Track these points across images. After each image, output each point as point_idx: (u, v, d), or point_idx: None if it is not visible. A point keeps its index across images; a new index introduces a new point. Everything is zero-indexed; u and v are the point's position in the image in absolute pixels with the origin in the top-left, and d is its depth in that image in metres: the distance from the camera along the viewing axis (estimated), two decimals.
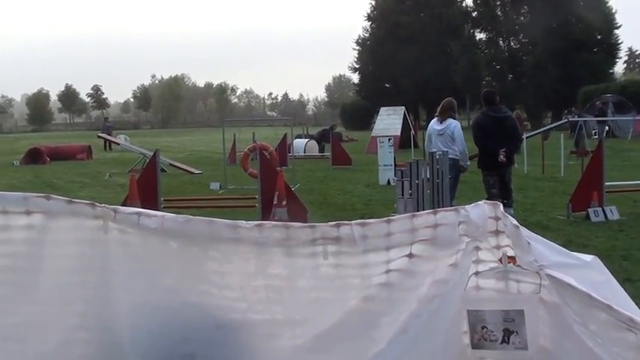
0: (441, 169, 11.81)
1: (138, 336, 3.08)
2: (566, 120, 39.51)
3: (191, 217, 2.94)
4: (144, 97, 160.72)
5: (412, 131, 37.89)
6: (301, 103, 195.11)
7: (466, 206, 2.74)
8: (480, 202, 2.75)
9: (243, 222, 2.87)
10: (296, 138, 37.44)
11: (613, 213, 14.32)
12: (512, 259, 2.63)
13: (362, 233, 2.78)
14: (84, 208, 3.05)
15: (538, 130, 37.43)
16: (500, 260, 2.64)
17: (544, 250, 2.64)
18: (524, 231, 2.64)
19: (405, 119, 40.08)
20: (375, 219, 2.82)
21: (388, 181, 21.34)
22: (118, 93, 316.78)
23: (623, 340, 2.40)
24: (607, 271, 2.79)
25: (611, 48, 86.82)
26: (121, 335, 3.10)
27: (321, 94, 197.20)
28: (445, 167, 11.93)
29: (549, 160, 25.77)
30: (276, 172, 15.03)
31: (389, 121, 39.93)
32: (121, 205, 3.18)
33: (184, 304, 3.04)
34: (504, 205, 10.66)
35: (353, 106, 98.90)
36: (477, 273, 2.67)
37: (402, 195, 12.13)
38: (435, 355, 2.77)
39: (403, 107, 41.82)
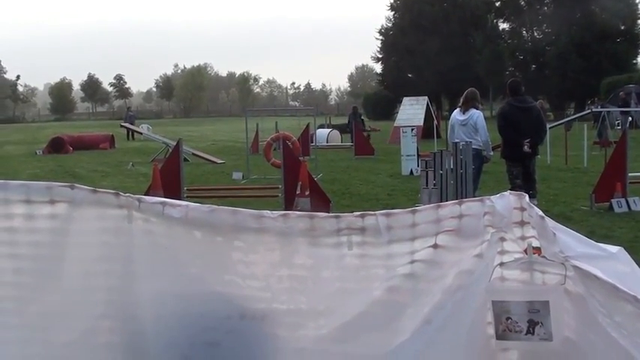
0: (465, 160, 11.78)
1: (162, 325, 3.10)
2: (589, 110, 39.23)
3: (215, 206, 2.95)
4: (166, 86, 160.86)
5: (435, 121, 37.81)
6: (324, 93, 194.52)
7: (491, 197, 2.73)
8: (505, 192, 2.74)
9: (268, 212, 2.88)
10: (318, 128, 37.46)
11: (636, 204, 14.24)
12: (537, 250, 2.62)
13: (387, 224, 2.78)
14: (108, 198, 3.07)
15: (561, 121, 37.24)
16: (525, 251, 2.63)
17: (569, 240, 2.63)
18: (549, 222, 2.63)
19: (427, 109, 39.99)
20: (399, 209, 2.82)
21: (411, 172, 21.32)
22: (141, 82, 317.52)
23: None
24: (633, 262, 2.78)
25: (634, 38, 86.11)
26: (145, 324, 3.12)
27: (344, 84, 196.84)
28: (468, 157, 11.89)
29: (572, 151, 25.62)
30: (298, 162, 15.05)
31: (412, 111, 39.85)
32: (144, 195, 3.19)
33: (209, 293, 3.05)
34: (528, 196, 10.57)
35: (376, 96, 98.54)
36: (501, 264, 2.66)
37: (427, 185, 12.09)
38: (459, 345, 2.76)
39: (426, 97, 41.73)
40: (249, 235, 2.91)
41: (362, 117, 37.32)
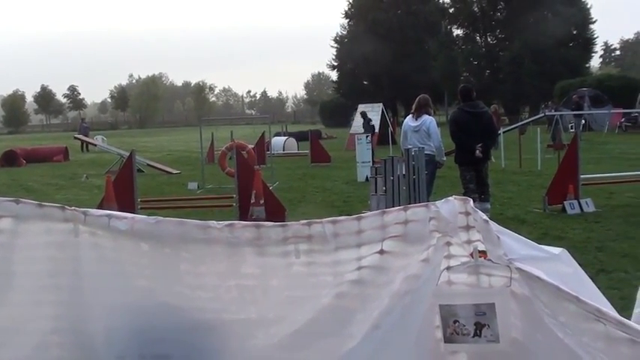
0: (417, 166, 11.84)
1: (112, 338, 3.08)
2: (543, 114, 39.73)
3: (161, 218, 2.94)
4: (121, 97, 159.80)
5: (390, 128, 38.01)
6: (280, 101, 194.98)
7: (436, 202, 2.75)
8: (450, 197, 2.76)
9: (214, 222, 2.88)
10: (275, 136, 37.49)
11: (589, 205, 14.45)
12: (483, 253, 2.65)
13: (333, 231, 2.79)
14: (54, 212, 3.04)
15: (515, 125, 37.69)
16: (471, 255, 2.65)
17: (513, 243, 2.66)
18: (493, 225, 2.66)
19: (383, 116, 40.19)
20: (345, 216, 2.84)
21: (366, 178, 21.37)
22: (95, 93, 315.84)
23: (592, 331, 2.42)
24: (575, 263, 2.82)
25: (586, 43, 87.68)
26: (95, 338, 3.09)
27: (300, 92, 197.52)
28: (421, 163, 11.95)
29: (526, 154, 25.93)
30: (253, 171, 15.03)
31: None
32: (98, 207, 3.17)
33: (158, 305, 3.03)
34: (481, 200, 10.73)
35: (332, 104, 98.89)
36: (448, 268, 2.68)
37: (376, 192, 12.13)
38: (408, 349, 2.78)
39: (381, 104, 41.97)
40: (196, 246, 2.90)
41: (371, 122, 36.92)
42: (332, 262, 2.83)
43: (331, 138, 52.86)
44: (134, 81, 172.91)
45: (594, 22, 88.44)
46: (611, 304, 2.69)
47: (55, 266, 3.07)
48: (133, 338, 3.06)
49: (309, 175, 25.63)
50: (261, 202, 14.13)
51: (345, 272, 2.81)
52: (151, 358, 3.05)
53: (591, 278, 2.86)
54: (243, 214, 14.04)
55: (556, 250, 2.80)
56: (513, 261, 2.59)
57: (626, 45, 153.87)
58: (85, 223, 3.01)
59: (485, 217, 2.69)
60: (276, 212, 13.96)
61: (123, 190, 14.43)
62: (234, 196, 14.95)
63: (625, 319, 2.32)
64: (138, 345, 3.06)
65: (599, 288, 2.83)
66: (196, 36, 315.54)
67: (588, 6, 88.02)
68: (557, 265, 2.73)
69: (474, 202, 2.81)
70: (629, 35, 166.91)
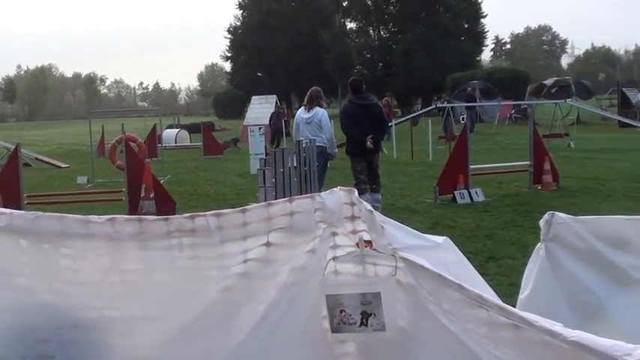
0: (309, 157, 11.89)
1: None
2: (434, 106, 40.44)
3: (40, 213, 2.85)
4: (9, 88, 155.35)
5: (284, 119, 38.06)
6: (173, 93, 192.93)
7: (321, 193, 2.75)
8: (335, 188, 2.77)
9: (95, 217, 2.81)
10: (167, 128, 37.10)
11: (478, 195, 14.79)
12: (368, 243, 2.66)
13: (217, 224, 2.76)
14: None
15: (406, 117, 38.28)
16: (357, 245, 2.67)
17: (397, 233, 2.68)
18: (378, 215, 2.68)
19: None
20: (230, 209, 2.81)
21: None
22: None
23: (476, 317, 2.46)
24: (459, 251, 2.87)
25: (477, 36, 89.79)
26: None
27: (194, 84, 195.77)
28: (313, 155, 12.01)
29: (418, 146, 26.33)
30: (143, 164, 14.85)
31: (260, 110, 40.01)
32: None
33: (39, 303, 2.95)
34: (372, 191, 10.84)
35: (226, 95, 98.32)
36: (334, 258, 2.69)
37: (264, 184, 12.13)
38: (295, 341, 2.78)
39: (274, 96, 41.99)
40: (76, 242, 2.83)
41: (285, 118, 36.65)
42: (217, 256, 2.80)
43: (225, 130, 52.59)
44: (22, 72, 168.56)
45: (485, 16, 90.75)
46: (501, 290, 2.76)
47: None
48: (14, 339, 2.97)
49: (201, 167, 25.49)
50: (152, 195, 13.98)
51: (231, 265, 2.79)
52: (33, 358, 2.96)
53: (481, 266, 2.93)
54: (133, 208, 13.85)
55: (439, 239, 2.84)
56: (398, 250, 2.61)
57: (516, 39, 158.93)
58: None
59: (369, 207, 2.71)
60: (166, 206, 13.83)
61: (8, 185, 14.03)
62: (124, 189, 14.74)
63: (506, 305, 2.37)
64: (19, 346, 2.96)
65: (488, 275, 2.89)
66: (87, 26, 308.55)
67: (479, 0, 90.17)
68: (440, 254, 2.77)
69: (364, 193, 2.83)
70: (520, 30, 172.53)
